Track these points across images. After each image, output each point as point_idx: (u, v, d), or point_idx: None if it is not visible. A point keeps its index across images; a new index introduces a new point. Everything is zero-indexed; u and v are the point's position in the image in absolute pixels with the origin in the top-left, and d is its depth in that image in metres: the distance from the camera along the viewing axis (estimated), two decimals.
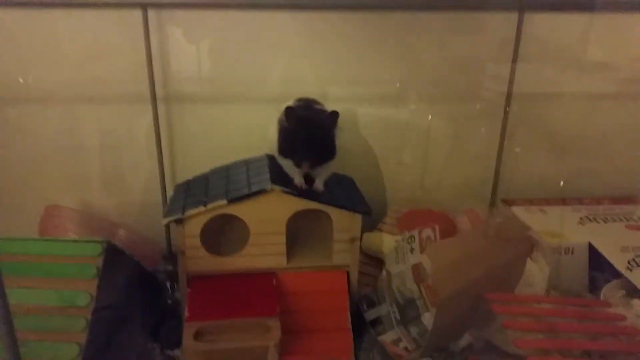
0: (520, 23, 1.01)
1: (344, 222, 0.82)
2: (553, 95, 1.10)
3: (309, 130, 0.77)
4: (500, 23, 1.03)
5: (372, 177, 1.10)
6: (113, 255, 0.68)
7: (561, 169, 1.15)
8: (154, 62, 0.95)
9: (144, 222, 1.05)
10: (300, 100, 0.85)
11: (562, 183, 1.13)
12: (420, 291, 0.84)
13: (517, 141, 1.13)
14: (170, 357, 0.79)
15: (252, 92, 1.01)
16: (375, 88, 1.05)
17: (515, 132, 1.11)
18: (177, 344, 0.78)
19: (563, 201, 1.12)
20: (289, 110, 0.78)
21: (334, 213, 0.81)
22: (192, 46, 0.98)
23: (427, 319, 0.78)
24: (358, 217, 0.82)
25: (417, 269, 0.86)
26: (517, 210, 1.07)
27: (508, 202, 1.11)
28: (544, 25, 1.03)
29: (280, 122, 0.80)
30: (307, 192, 0.80)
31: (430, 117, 1.10)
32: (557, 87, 1.09)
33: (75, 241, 0.67)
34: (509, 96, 1.07)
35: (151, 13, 0.93)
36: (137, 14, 0.92)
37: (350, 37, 1.00)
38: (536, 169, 1.15)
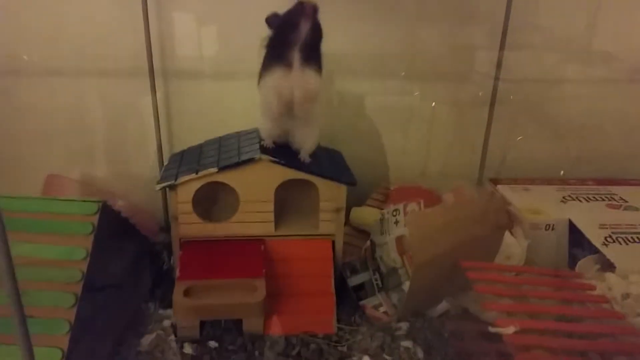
0: (508, 8, 1.04)
1: (329, 193, 0.86)
2: (539, 80, 1.13)
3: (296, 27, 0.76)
4: (491, 7, 1.06)
5: (362, 155, 1.14)
6: (109, 215, 0.73)
7: (550, 151, 1.19)
8: (152, 40, 0.99)
9: (143, 195, 1.09)
10: None
11: (562, 172, 1.17)
12: (403, 261, 0.89)
13: (505, 125, 1.16)
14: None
15: (248, 69, 1.04)
16: (371, 66, 1.09)
17: (503, 116, 1.14)
18: (170, 303, 0.82)
19: (548, 181, 1.16)
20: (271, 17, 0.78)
21: (320, 183, 0.85)
22: (190, 23, 1.02)
23: (408, 286, 0.82)
24: (343, 188, 0.86)
25: (400, 240, 0.90)
26: (502, 189, 1.11)
27: (494, 182, 1.15)
28: (532, 10, 1.06)
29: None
30: (294, 162, 0.84)
31: (433, 104, 1.13)
32: (542, 72, 1.12)
33: (72, 200, 0.71)
34: (496, 80, 1.10)
35: None
36: None
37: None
38: (525, 152, 1.18)
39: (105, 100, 1.07)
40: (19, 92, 1.03)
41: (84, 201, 0.70)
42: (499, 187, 1.12)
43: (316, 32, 0.77)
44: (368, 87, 1.11)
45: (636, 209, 1.02)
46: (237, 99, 1.06)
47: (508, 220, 0.91)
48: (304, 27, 0.76)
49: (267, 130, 0.86)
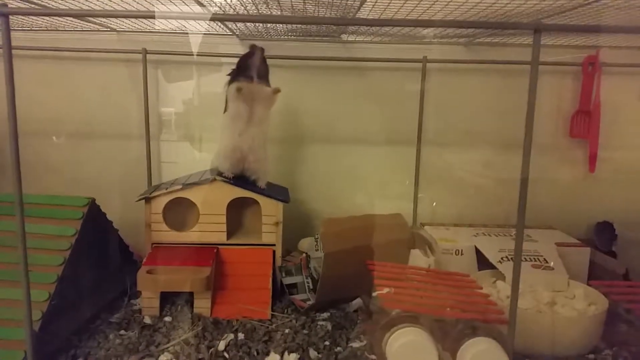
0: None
1: (270, 209, 1.11)
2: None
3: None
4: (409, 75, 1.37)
5: (316, 197, 1.41)
6: (96, 210, 0.99)
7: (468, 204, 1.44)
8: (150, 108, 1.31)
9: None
10: None
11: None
12: None
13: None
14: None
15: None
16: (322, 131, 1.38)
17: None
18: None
19: (470, 225, 1.39)
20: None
21: (262, 201, 1.10)
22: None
23: None
24: (280, 205, 1.11)
25: None
26: (428, 228, 1.34)
27: (424, 224, 1.38)
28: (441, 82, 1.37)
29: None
30: (242, 183, 1.10)
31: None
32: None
33: (66, 196, 0.98)
34: (419, 142, 1.38)
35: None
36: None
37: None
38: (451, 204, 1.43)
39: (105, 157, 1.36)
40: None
41: (76, 197, 0.97)
42: (427, 227, 1.35)
43: (264, 62, 1.12)
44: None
45: (533, 241, 1.24)
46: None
47: (409, 236, 1.12)
48: (257, 57, 1.10)
49: (227, 166, 1.13)
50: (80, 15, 1.08)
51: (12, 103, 0.71)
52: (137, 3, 0.99)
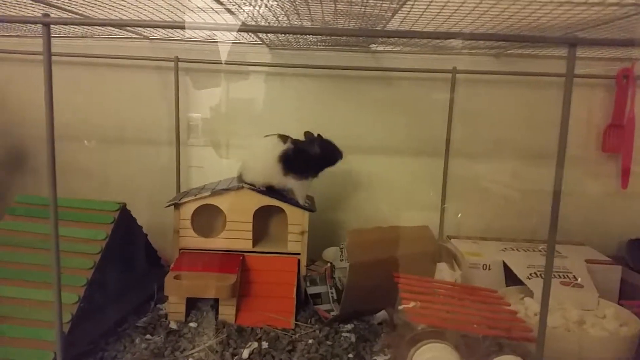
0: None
1: (296, 218, 1.11)
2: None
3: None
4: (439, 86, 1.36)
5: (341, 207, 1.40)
6: (127, 215, 1.01)
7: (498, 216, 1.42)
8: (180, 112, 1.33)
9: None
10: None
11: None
12: None
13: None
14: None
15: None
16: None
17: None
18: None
19: (497, 239, 1.37)
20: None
21: (289, 209, 1.11)
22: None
23: None
24: (307, 214, 1.11)
25: None
26: (455, 241, 1.33)
27: (450, 237, 1.37)
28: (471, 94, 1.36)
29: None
30: (269, 191, 1.11)
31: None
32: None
33: (98, 201, 1.00)
34: (446, 152, 1.37)
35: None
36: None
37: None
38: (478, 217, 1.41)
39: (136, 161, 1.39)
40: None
41: (109, 201, 0.99)
42: (453, 240, 1.34)
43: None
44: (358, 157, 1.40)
45: (562, 257, 1.22)
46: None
47: (436, 249, 1.12)
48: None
49: (260, 182, 1.13)
50: (118, 25, 1.10)
51: (49, 109, 0.73)
52: (172, 13, 1.00)
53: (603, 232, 1.37)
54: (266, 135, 1.15)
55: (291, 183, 1.12)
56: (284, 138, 1.13)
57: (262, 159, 1.11)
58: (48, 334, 0.81)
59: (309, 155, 1.11)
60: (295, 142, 1.12)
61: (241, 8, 0.91)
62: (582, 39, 0.70)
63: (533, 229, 1.38)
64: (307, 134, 1.14)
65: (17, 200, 1.02)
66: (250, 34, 1.22)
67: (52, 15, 0.73)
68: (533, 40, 1.00)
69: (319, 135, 1.14)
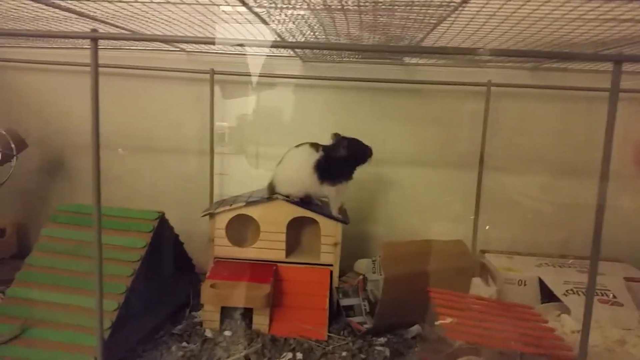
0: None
1: (329, 229, 1.11)
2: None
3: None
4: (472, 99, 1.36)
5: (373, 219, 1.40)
6: (165, 224, 1.03)
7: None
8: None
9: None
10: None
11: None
12: None
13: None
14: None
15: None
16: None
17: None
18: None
19: (532, 254, 1.35)
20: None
21: (322, 221, 1.11)
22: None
23: None
24: (340, 226, 1.11)
25: None
26: (488, 256, 1.31)
27: (484, 251, 1.36)
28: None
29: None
30: (302, 202, 1.11)
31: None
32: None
33: (138, 210, 1.02)
34: (480, 165, 1.36)
35: None
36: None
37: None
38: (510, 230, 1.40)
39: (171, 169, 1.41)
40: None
41: (148, 210, 1.01)
42: (487, 255, 1.33)
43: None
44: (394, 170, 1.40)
45: (600, 274, 1.19)
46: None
47: (471, 264, 1.10)
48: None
49: (294, 193, 1.14)
50: (164, 40, 1.14)
51: (96, 120, 0.75)
52: (209, 26, 1.02)
53: None
54: (297, 145, 1.15)
55: (327, 190, 1.12)
56: (315, 146, 1.14)
57: (297, 169, 1.12)
58: (89, 339, 0.83)
59: (340, 159, 1.11)
60: (325, 148, 1.13)
61: (281, 24, 0.93)
62: (629, 57, 0.69)
63: (567, 244, 1.36)
64: (335, 135, 1.14)
65: (59, 208, 1.05)
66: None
67: (99, 30, 0.76)
68: (580, 59, 0.99)
69: (343, 137, 1.14)
